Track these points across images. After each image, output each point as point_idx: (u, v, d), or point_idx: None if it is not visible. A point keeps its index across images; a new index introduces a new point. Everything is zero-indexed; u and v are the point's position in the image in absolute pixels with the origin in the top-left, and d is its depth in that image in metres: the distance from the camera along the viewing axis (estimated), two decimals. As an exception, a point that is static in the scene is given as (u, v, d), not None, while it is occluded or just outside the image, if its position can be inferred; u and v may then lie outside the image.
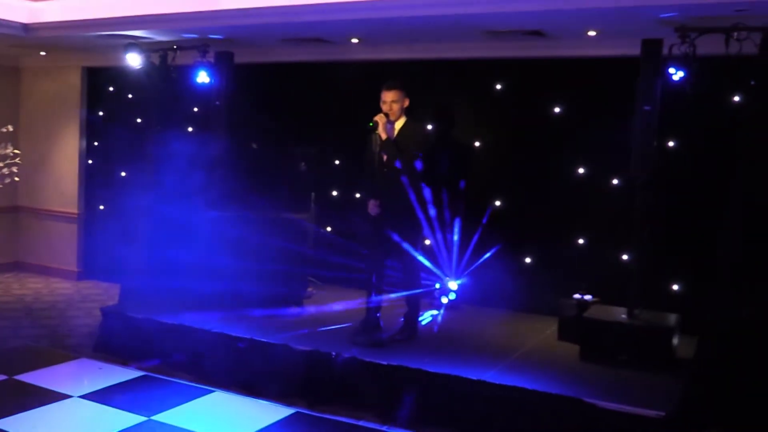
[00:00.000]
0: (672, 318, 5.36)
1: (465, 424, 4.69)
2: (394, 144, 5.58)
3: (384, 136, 5.60)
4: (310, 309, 6.49)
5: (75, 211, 9.00)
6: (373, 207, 5.69)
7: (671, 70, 5.17)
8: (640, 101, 5.29)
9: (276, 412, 5.02)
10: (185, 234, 7.00)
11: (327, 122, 7.49)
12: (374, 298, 5.75)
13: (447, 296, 6.80)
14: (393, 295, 5.84)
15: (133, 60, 6.97)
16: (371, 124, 5.56)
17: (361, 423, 4.87)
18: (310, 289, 6.99)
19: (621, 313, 5.40)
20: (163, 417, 4.84)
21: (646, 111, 5.28)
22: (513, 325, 6.29)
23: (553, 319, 6.01)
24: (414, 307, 5.83)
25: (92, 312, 7.33)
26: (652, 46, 5.26)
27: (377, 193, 5.66)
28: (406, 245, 5.70)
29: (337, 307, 6.61)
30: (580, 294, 5.90)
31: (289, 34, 6.83)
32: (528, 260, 6.69)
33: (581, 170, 6.43)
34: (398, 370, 4.95)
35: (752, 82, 4.79)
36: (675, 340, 5.23)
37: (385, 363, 5.02)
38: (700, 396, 4.37)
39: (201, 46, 6.85)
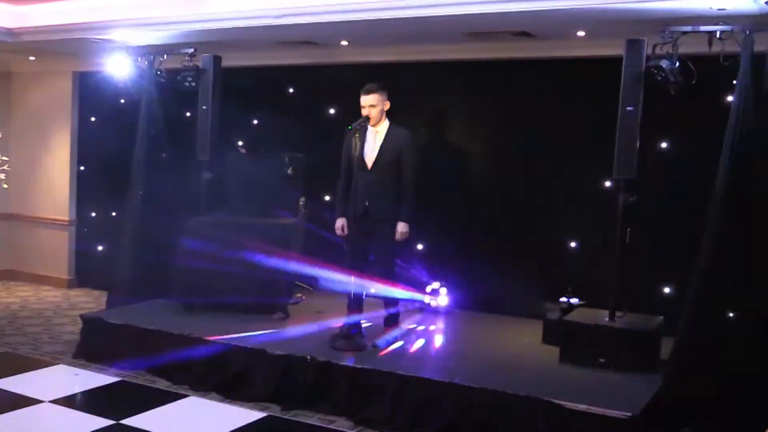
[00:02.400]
0: (655, 320, 5.27)
1: (436, 427, 4.59)
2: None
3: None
4: (295, 314, 6.39)
5: (67, 218, 8.97)
6: (339, 228, 5.74)
7: (654, 70, 5.10)
8: (622, 101, 5.21)
9: (246, 416, 4.93)
10: (172, 239, 6.97)
11: (317, 126, 7.44)
12: (355, 303, 5.67)
13: (437, 300, 6.73)
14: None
15: (120, 64, 6.96)
16: (350, 127, 5.51)
17: (332, 427, 4.78)
18: (298, 295, 6.91)
19: (603, 316, 5.31)
20: (131, 421, 4.75)
21: (628, 111, 5.19)
22: (501, 329, 6.20)
23: (541, 323, 5.88)
24: (394, 311, 5.78)
25: (78, 320, 7.22)
26: (634, 46, 5.18)
27: (357, 197, 5.58)
28: (389, 248, 5.64)
29: (322, 311, 6.55)
30: (566, 297, 5.82)
31: (277, 38, 6.80)
32: (522, 264, 6.59)
33: (572, 172, 6.36)
34: (371, 373, 4.88)
35: (735, 81, 4.73)
36: (656, 342, 5.14)
37: (358, 367, 4.94)
38: (673, 395, 4.30)
39: (188, 50, 6.82)
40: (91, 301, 8.32)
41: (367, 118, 5.57)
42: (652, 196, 5.75)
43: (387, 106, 5.65)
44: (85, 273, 9.02)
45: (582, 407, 4.22)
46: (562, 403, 4.27)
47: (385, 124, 5.67)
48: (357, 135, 5.54)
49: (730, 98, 5.03)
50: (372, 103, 5.57)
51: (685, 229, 5.71)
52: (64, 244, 9.00)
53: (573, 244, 6.37)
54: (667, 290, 5.95)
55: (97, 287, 8.74)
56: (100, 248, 8.81)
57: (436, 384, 4.66)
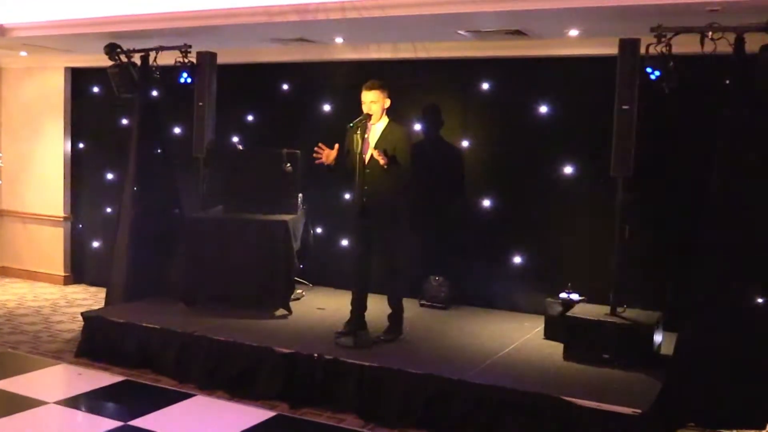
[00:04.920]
0: (654, 316, 5.36)
1: (446, 424, 4.67)
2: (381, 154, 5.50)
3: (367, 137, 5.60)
4: (297, 310, 6.44)
5: (61, 214, 8.93)
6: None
7: (648, 69, 5.18)
8: (618, 100, 5.30)
9: (256, 415, 4.97)
10: (169, 236, 7.00)
11: (313, 123, 7.46)
12: (359, 299, 5.73)
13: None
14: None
15: (114, 60, 6.94)
16: (351, 125, 5.55)
17: (342, 425, 4.84)
18: (299, 291, 6.96)
19: (605, 312, 5.40)
20: (140, 422, 4.78)
21: (624, 110, 5.28)
22: (502, 325, 6.27)
23: (541, 319, 6.01)
24: (398, 308, 5.82)
25: (77, 317, 7.27)
26: (629, 45, 5.27)
27: (357, 193, 5.61)
28: (389, 244, 5.71)
29: (324, 308, 6.62)
30: (566, 293, 5.91)
31: (271, 35, 6.81)
32: (517, 259, 6.68)
33: (568, 169, 6.43)
34: (380, 370, 4.94)
35: (727, 81, 4.82)
36: (657, 338, 5.24)
37: (366, 364, 4.99)
38: (677, 392, 4.38)
39: (182, 47, 6.82)
40: (88, 297, 8.33)
41: (368, 115, 5.61)
42: (647, 193, 5.84)
43: (387, 103, 5.69)
44: (80, 269, 9.03)
45: (591, 404, 4.29)
46: (572, 399, 4.34)
47: (383, 122, 5.70)
48: (358, 132, 5.57)
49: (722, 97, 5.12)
50: (373, 99, 5.61)
51: (677, 226, 5.88)
52: (59, 241, 8.97)
53: (570, 240, 6.45)
54: (661, 285, 6.04)
55: (94, 283, 8.81)
56: (95, 244, 8.83)
57: (445, 381, 4.71)
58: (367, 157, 5.64)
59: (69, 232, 9.00)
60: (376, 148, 5.61)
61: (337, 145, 5.70)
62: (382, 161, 5.43)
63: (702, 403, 4.42)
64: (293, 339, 5.58)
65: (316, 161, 5.76)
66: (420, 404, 4.75)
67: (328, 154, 5.70)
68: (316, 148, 5.73)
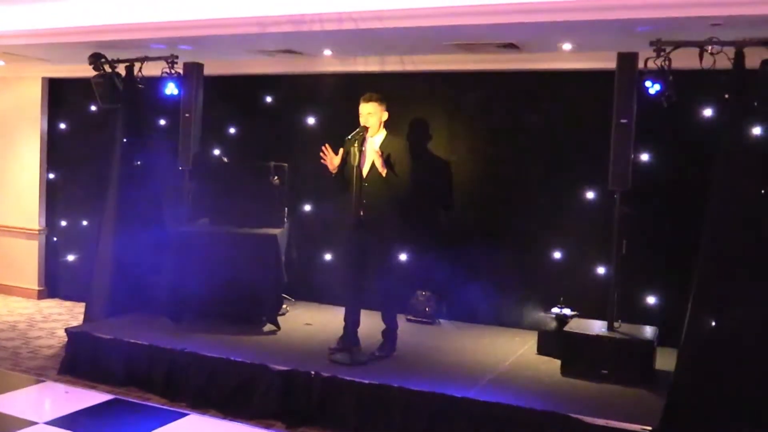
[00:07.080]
0: (650, 330, 5.36)
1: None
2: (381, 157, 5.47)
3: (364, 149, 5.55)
4: (285, 326, 6.33)
5: (36, 227, 8.71)
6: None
7: (647, 84, 5.20)
8: (616, 114, 5.31)
9: (254, 435, 4.88)
10: (152, 250, 6.84)
11: (300, 136, 7.38)
12: (352, 315, 5.65)
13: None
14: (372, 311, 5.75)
15: (97, 70, 6.79)
16: (349, 137, 5.48)
17: (340, 444, 4.77)
18: (285, 307, 6.85)
19: (601, 327, 5.39)
20: (136, 442, 4.67)
21: (622, 124, 5.29)
22: (492, 340, 6.23)
23: (531, 333, 6.00)
24: (392, 324, 5.75)
25: (56, 332, 7.11)
26: (627, 59, 5.29)
27: (353, 206, 5.53)
28: (385, 260, 5.64)
29: (312, 323, 6.52)
30: (559, 307, 5.88)
31: (258, 46, 6.73)
32: (507, 274, 6.62)
33: (560, 183, 6.41)
34: (381, 388, 4.84)
35: (726, 96, 4.85)
36: (654, 353, 5.22)
37: (366, 382, 4.89)
38: (681, 408, 4.37)
39: (169, 57, 6.70)
40: (64, 312, 8.12)
41: (365, 128, 5.55)
42: (645, 206, 5.85)
43: (385, 116, 5.64)
44: (55, 283, 8.81)
45: (600, 421, 4.24)
46: (580, 417, 4.29)
47: (382, 134, 5.65)
48: (356, 145, 5.50)
49: (721, 112, 5.16)
50: (370, 111, 5.56)
51: (669, 240, 5.89)
52: (34, 254, 8.74)
53: (557, 255, 6.43)
54: (655, 300, 6.07)
55: (68, 298, 8.62)
56: (70, 258, 8.62)
57: (449, 398, 4.63)
58: (365, 171, 5.58)
59: (44, 245, 8.77)
60: (373, 163, 5.53)
61: (341, 151, 5.63)
62: (380, 166, 5.37)
63: (707, 418, 4.40)
64: (286, 355, 5.47)
65: (321, 161, 5.68)
66: (423, 423, 4.67)
67: (331, 160, 5.63)
68: (323, 148, 5.65)
